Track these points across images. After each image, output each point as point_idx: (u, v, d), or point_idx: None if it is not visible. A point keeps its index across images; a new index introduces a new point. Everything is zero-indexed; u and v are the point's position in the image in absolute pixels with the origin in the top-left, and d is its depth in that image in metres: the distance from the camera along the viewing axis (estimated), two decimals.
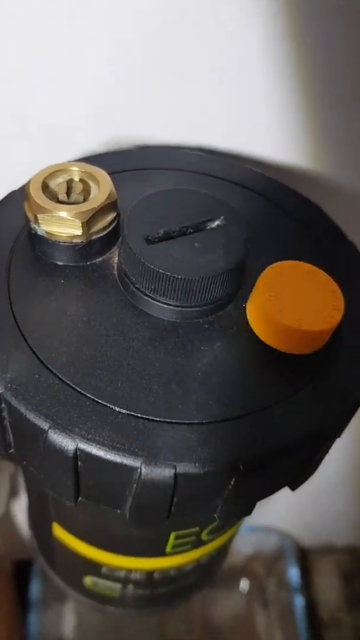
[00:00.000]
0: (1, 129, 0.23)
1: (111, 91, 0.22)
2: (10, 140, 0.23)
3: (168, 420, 0.15)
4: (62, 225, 0.17)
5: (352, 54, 0.21)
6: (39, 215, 0.17)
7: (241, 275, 0.18)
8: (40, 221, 0.17)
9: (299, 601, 0.57)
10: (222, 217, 0.17)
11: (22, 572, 0.55)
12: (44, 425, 0.15)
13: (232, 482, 0.15)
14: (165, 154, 0.22)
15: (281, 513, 0.59)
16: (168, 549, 0.22)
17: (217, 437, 0.15)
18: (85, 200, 0.17)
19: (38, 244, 0.18)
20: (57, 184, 0.18)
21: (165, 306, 0.17)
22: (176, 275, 0.16)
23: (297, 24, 0.20)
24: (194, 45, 0.21)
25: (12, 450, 0.17)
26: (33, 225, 0.17)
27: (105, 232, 0.18)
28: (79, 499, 0.17)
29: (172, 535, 0.21)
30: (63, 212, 0.17)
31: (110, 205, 0.17)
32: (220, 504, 0.16)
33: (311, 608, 0.60)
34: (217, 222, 0.17)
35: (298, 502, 0.59)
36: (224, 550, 0.27)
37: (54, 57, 0.21)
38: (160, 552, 0.22)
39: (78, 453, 0.15)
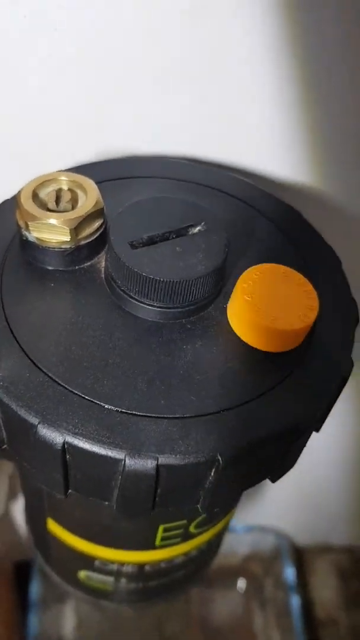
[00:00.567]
0: None
1: (100, 103, 0.23)
2: (1, 152, 0.24)
3: (151, 414, 0.16)
4: (52, 232, 0.18)
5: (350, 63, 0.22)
6: (29, 223, 0.18)
7: (221, 278, 0.18)
8: (31, 228, 0.18)
9: (296, 600, 0.58)
10: (203, 223, 0.18)
11: (22, 573, 0.55)
12: (34, 420, 0.16)
13: (212, 474, 0.16)
14: (150, 163, 0.23)
15: (278, 513, 0.60)
16: (157, 541, 0.23)
17: (197, 430, 0.16)
18: (73, 208, 0.18)
19: (29, 249, 0.19)
20: (47, 193, 0.19)
21: (149, 307, 0.18)
22: (159, 278, 0.17)
23: (295, 33, 0.21)
24: (184, 54, 0.22)
25: (5, 446, 0.18)
26: (24, 232, 0.18)
27: (92, 238, 0.18)
28: (69, 491, 0.18)
29: (161, 528, 0.22)
30: (52, 220, 0.18)
31: (97, 213, 0.18)
32: (203, 495, 0.17)
33: (308, 607, 0.61)
34: (198, 228, 0.18)
35: (295, 502, 0.60)
36: (214, 545, 0.28)
37: (44, 68, 0.22)
38: (150, 545, 0.23)
39: (66, 446, 0.16)
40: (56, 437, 0.16)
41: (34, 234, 0.18)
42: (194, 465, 0.16)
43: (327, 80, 0.23)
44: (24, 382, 0.16)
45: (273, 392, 0.17)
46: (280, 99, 0.23)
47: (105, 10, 0.20)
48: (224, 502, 0.18)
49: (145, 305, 0.18)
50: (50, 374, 0.17)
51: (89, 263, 0.19)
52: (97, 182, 0.19)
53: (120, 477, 0.16)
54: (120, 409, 0.16)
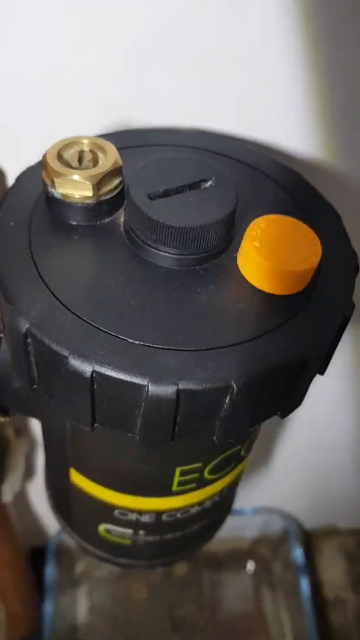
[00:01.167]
0: (15, 119, 0.26)
1: (116, 79, 0.25)
2: (22, 128, 0.26)
3: (170, 347, 0.18)
4: (76, 187, 0.20)
5: None
6: (55, 180, 0.19)
7: (231, 228, 0.20)
8: (56, 185, 0.19)
9: (304, 582, 0.59)
10: (213, 179, 0.20)
11: (37, 559, 0.57)
12: (65, 352, 0.17)
13: (227, 401, 0.18)
14: (165, 133, 0.25)
15: (286, 496, 0.61)
16: (174, 486, 0.24)
17: (212, 361, 0.18)
18: (94, 166, 0.20)
19: (55, 206, 0.20)
20: (70, 154, 0.20)
21: (166, 255, 0.19)
22: (174, 225, 0.19)
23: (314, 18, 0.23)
24: (197, 31, 0.23)
25: (35, 385, 0.20)
26: (50, 190, 0.20)
27: (112, 195, 0.20)
28: (95, 424, 0.19)
29: (178, 471, 0.23)
30: (76, 176, 0.19)
31: (116, 171, 0.20)
32: (218, 424, 0.19)
33: (316, 588, 0.62)
34: (209, 183, 0.20)
35: (302, 485, 0.61)
36: (227, 498, 0.29)
37: (61, 47, 0.24)
38: (167, 491, 0.24)
39: (94, 375, 0.17)
40: (85, 367, 0.17)
41: (59, 190, 0.20)
42: (210, 391, 0.17)
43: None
44: (54, 321, 0.18)
45: (281, 328, 0.19)
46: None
47: None
48: (238, 432, 0.20)
49: (161, 253, 0.19)
50: (77, 314, 0.18)
51: (109, 219, 0.21)
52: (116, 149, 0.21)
53: (143, 403, 0.18)
54: (142, 343, 0.18)
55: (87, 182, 0.19)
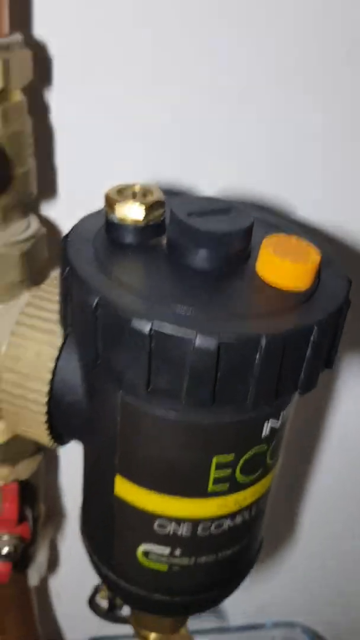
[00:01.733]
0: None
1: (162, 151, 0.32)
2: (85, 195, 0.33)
3: (209, 315, 0.23)
4: (130, 213, 0.25)
5: None
6: (115, 206, 0.25)
7: (249, 242, 0.26)
8: (115, 210, 0.25)
9: None
10: (236, 209, 0.26)
11: None
12: (128, 315, 0.22)
13: (257, 357, 0.22)
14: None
15: (306, 608, 0.59)
16: (210, 485, 0.27)
17: (244, 325, 0.22)
18: (144, 199, 0.26)
19: (113, 229, 0.26)
20: (126, 191, 0.27)
21: (200, 257, 0.25)
22: (206, 230, 0.24)
23: None
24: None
25: (99, 360, 0.24)
26: (110, 216, 0.26)
27: (157, 221, 0.26)
28: (150, 387, 0.23)
29: (214, 462, 0.26)
30: (130, 204, 0.25)
31: (160, 203, 0.26)
32: (251, 383, 0.23)
33: None
34: (233, 211, 0.26)
35: (325, 597, 0.60)
36: (256, 520, 0.31)
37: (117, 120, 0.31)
38: (204, 489, 0.27)
39: (152, 332, 0.22)
40: (145, 326, 0.22)
41: (117, 215, 0.26)
42: (244, 344, 0.22)
43: None
44: (118, 297, 0.23)
45: (295, 310, 0.24)
46: None
47: None
48: (267, 394, 0.23)
49: (196, 256, 0.25)
50: (134, 294, 0.23)
51: (154, 240, 0.26)
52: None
53: (191, 357, 0.22)
54: (186, 313, 0.22)
55: (139, 209, 0.25)
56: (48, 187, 0.39)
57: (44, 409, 0.31)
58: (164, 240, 0.26)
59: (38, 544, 0.43)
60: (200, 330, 0.22)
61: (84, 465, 0.33)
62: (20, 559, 0.38)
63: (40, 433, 0.32)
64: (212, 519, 0.28)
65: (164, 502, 0.28)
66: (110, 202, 0.26)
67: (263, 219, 0.30)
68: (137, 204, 0.25)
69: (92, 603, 0.44)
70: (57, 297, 0.29)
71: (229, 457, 0.26)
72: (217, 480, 0.27)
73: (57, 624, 0.56)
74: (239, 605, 0.60)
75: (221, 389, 0.23)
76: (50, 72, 0.36)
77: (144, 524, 0.29)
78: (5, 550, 0.35)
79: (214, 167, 0.39)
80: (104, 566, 0.33)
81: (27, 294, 0.32)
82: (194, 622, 0.57)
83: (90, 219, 0.28)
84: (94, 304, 0.23)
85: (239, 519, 0.29)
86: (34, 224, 0.32)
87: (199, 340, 0.22)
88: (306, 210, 0.41)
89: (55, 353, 0.30)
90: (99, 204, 0.27)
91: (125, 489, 0.28)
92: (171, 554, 0.30)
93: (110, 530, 0.31)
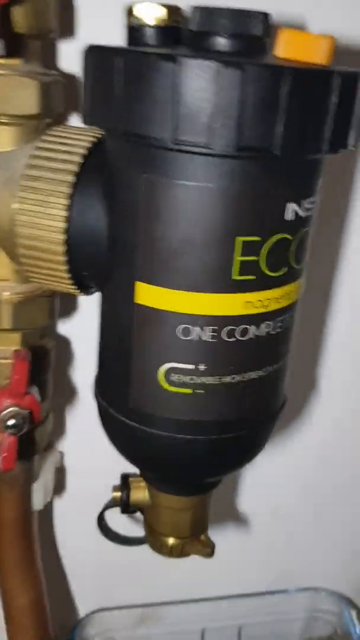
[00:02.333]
0: None
1: None
2: None
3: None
4: (152, 12, 0.27)
5: None
6: (135, 8, 0.27)
7: (268, 27, 0.27)
8: (135, 11, 0.27)
9: None
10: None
11: None
12: (154, 56, 0.23)
13: (284, 91, 0.23)
14: None
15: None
16: (235, 272, 0.27)
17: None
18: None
19: (135, 34, 0.28)
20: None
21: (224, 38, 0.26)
22: (230, 10, 0.26)
23: None
24: None
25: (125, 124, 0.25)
26: (132, 19, 0.28)
27: (176, 23, 0.28)
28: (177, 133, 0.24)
29: (238, 242, 0.26)
30: (151, 4, 0.27)
31: (177, 7, 0.28)
32: (278, 122, 0.23)
33: None
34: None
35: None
36: (284, 337, 0.30)
37: None
38: (228, 278, 0.27)
39: (177, 64, 0.23)
40: (169, 60, 0.23)
41: (138, 15, 0.27)
42: (271, 74, 0.23)
43: None
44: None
45: None
46: None
47: None
48: (292, 142, 0.24)
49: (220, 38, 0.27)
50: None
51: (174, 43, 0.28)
52: None
53: (215, 86, 0.23)
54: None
55: (160, 8, 0.27)
56: None
57: (63, 258, 0.31)
58: (183, 42, 0.28)
59: (46, 427, 0.41)
60: (224, 63, 0.23)
61: (100, 314, 0.32)
62: (27, 442, 0.36)
63: (64, 284, 0.32)
64: (237, 320, 0.28)
65: (187, 299, 0.27)
66: (130, 8, 0.28)
67: None
68: (157, 4, 0.27)
69: (101, 523, 0.41)
70: (66, 145, 0.30)
71: (253, 239, 0.27)
72: (242, 269, 0.27)
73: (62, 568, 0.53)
74: (262, 571, 0.56)
75: (246, 126, 0.23)
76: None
77: (166, 332, 0.28)
78: (11, 421, 0.33)
79: None
80: (120, 414, 0.31)
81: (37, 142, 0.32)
82: (215, 589, 0.54)
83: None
84: (122, 58, 0.24)
85: (264, 328, 0.29)
86: (53, 71, 0.33)
87: (224, 70, 0.23)
88: None
89: (66, 201, 0.30)
90: None
91: (147, 294, 0.28)
92: (195, 371, 0.29)
93: (128, 357, 0.30)
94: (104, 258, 0.30)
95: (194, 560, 0.40)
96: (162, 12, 0.27)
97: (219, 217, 0.26)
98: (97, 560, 0.53)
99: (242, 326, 0.28)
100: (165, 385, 0.29)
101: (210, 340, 0.28)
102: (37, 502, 0.41)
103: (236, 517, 0.55)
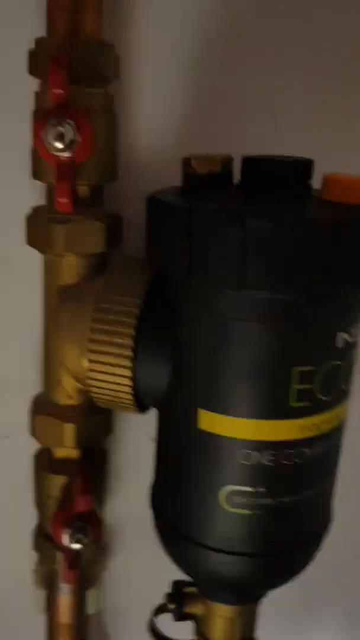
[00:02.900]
0: None
1: None
2: None
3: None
4: (206, 163, 0.30)
5: None
6: (192, 159, 0.30)
7: (312, 171, 0.30)
8: (192, 162, 0.30)
9: None
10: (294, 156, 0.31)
11: None
12: (221, 216, 0.26)
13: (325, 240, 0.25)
14: None
15: None
16: (291, 400, 0.28)
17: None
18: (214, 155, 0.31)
19: (190, 180, 0.30)
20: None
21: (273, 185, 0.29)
22: (279, 161, 0.29)
23: None
24: None
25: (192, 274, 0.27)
26: (188, 169, 0.30)
27: (229, 170, 0.31)
28: (241, 281, 0.26)
29: (294, 372, 0.28)
30: (205, 157, 0.30)
31: (229, 157, 0.31)
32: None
33: None
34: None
35: None
36: (334, 451, 0.32)
37: None
38: (285, 405, 0.29)
39: (245, 227, 0.25)
40: (236, 221, 0.25)
41: (194, 166, 0.30)
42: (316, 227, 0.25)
43: None
44: (211, 207, 0.27)
45: None
46: None
47: None
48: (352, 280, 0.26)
49: (270, 181, 0.29)
50: (224, 208, 0.27)
51: (226, 187, 0.31)
52: None
53: (276, 241, 0.25)
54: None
55: (214, 159, 0.30)
56: None
57: (132, 400, 0.33)
58: (234, 187, 0.31)
59: (95, 567, 0.42)
60: (285, 224, 0.25)
61: (159, 432, 0.34)
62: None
63: (126, 410, 0.34)
64: (294, 443, 0.29)
65: (248, 426, 0.29)
66: (187, 159, 0.31)
67: None
68: (212, 157, 0.30)
69: (153, 627, 0.41)
70: (122, 303, 0.33)
71: (308, 368, 0.28)
72: (298, 396, 0.29)
73: None
74: None
75: (307, 272, 0.25)
76: None
77: (227, 456, 0.30)
78: (78, 535, 0.34)
79: None
80: (177, 529, 0.32)
81: (100, 281, 0.34)
82: None
83: (160, 190, 0.32)
84: (188, 213, 0.26)
85: (318, 449, 0.30)
86: (109, 209, 0.36)
87: (283, 230, 0.25)
88: None
89: (131, 363, 0.32)
90: None
91: (209, 421, 0.30)
92: (254, 493, 0.30)
93: (188, 477, 0.31)
94: (166, 389, 0.32)
95: None
96: (216, 164, 0.30)
97: (278, 351, 0.28)
98: None
99: (298, 449, 0.30)
100: (225, 506, 0.30)
101: (269, 463, 0.30)
102: (91, 607, 0.41)
103: None
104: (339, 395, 0.30)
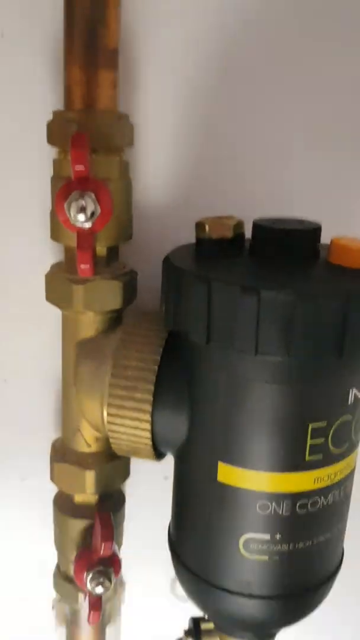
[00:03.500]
0: None
1: None
2: None
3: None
4: (220, 228, 0.32)
5: None
6: (206, 224, 0.32)
7: (320, 237, 0.32)
8: (207, 227, 0.32)
9: None
10: (303, 220, 0.33)
11: None
12: (239, 288, 0.28)
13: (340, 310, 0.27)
14: None
15: None
16: (307, 454, 0.30)
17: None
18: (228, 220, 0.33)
19: (204, 245, 0.32)
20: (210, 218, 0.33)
21: (279, 257, 0.31)
22: (289, 229, 0.31)
23: None
24: None
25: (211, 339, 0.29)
26: (202, 234, 0.32)
27: (240, 235, 0.32)
28: (258, 350, 0.28)
29: (310, 429, 0.30)
30: (219, 221, 0.32)
31: (241, 222, 0.33)
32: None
33: None
34: (302, 221, 0.33)
35: None
36: (344, 500, 0.33)
37: None
38: (301, 460, 0.30)
39: (260, 297, 0.27)
40: (253, 293, 0.27)
41: (209, 231, 0.32)
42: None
43: None
44: (229, 279, 0.28)
45: None
46: None
47: None
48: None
49: (278, 256, 0.31)
50: (239, 278, 0.29)
51: (237, 252, 0.32)
52: None
53: (294, 311, 0.27)
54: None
55: (227, 224, 0.32)
56: None
57: (152, 450, 0.35)
58: (246, 252, 0.33)
59: (115, 600, 0.43)
60: (299, 295, 0.27)
61: (177, 478, 0.36)
62: None
63: (145, 458, 0.36)
64: (309, 494, 0.31)
65: (265, 479, 0.31)
66: (201, 224, 0.32)
67: None
68: (224, 221, 0.32)
69: None
70: (142, 359, 0.34)
71: (322, 424, 0.30)
72: (312, 450, 0.30)
73: None
74: None
75: (321, 340, 0.27)
76: None
77: (246, 507, 0.31)
78: (100, 579, 0.36)
79: None
80: (196, 572, 0.34)
81: (117, 336, 0.36)
82: None
83: (175, 252, 0.34)
84: (207, 285, 0.28)
85: (331, 498, 0.32)
86: (128, 265, 0.38)
87: (299, 300, 0.27)
88: None
89: (149, 417, 0.33)
90: None
91: (228, 474, 0.31)
92: (272, 540, 0.32)
93: (207, 525, 0.33)
94: (185, 440, 0.33)
95: None
96: (228, 229, 0.32)
97: (294, 410, 0.30)
98: None
99: (312, 498, 0.31)
100: (243, 553, 0.32)
101: (285, 513, 0.31)
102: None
103: None
104: (351, 446, 0.32)
